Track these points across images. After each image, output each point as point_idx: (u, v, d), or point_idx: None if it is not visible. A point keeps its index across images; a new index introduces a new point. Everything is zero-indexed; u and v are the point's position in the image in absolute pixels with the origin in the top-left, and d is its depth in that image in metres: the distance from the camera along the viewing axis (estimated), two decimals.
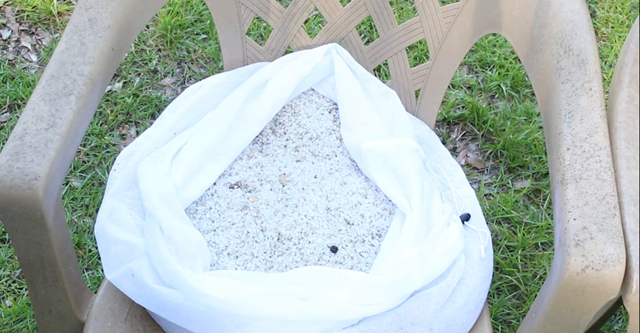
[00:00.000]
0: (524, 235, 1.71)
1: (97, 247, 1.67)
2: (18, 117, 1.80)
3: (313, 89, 1.31)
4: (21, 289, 1.62)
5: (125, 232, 1.09)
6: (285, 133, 1.26)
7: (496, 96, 1.99)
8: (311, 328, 1.03)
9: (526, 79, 2.00)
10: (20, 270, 1.63)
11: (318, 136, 1.26)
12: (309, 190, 1.19)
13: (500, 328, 1.59)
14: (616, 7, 2.19)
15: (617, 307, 1.41)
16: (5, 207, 0.98)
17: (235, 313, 1.01)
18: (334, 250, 1.12)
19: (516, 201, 1.77)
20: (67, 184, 1.77)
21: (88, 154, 1.84)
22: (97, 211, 1.65)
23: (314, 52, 1.29)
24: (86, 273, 1.63)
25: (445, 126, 1.93)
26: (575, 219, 0.93)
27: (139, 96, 1.93)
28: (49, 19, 2.09)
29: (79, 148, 1.83)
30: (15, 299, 1.60)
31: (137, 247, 1.07)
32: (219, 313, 1.02)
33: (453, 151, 1.88)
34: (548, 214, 1.74)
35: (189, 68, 2.03)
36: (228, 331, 1.02)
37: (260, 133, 1.26)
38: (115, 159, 1.37)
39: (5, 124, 1.89)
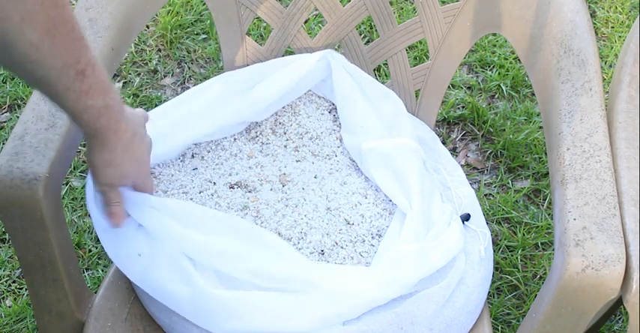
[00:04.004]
0: (524, 235, 1.71)
1: (97, 247, 1.67)
2: (18, 117, 1.80)
3: (311, 90, 1.31)
4: (21, 289, 1.62)
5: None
6: (285, 133, 1.26)
7: (496, 96, 2.00)
8: (310, 320, 1.03)
9: (526, 79, 2.00)
10: (20, 270, 1.63)
11: (318, 136, 1.26)
12: (309, 190, 1.19)
13: (500, 328, 1.59)
14: (616, 7, 2.19)
15: (617, 307, 1.41)
16: (5, 207, 0.98)
17: (234, 306, 1.02)
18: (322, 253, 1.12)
19: (516, 201, 1.77)
20: (67, 184, 1.77)
21: None
22: None
23: (308, 58, 1.28)
24: (86, 273, 1.63)
25: (445, 126, 1.93)
26: (575, 219, 0.93)
27: (139, 96, 1.93)
28: None
29: (79, 148, 1.83)
30: (15, 299, 1.60)
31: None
32: (219, 303, 1.02)
33: (453, 151, 1.88)
34: (548, 214, 1.75)
35: (189, 68, 2.03)
36: (225, 321, 1.02)
37: (260, 133, 1.26)
38: None
39: (5, 124, 1.89)
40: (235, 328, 1.02)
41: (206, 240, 1.06)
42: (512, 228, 1.74)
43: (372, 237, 1.14)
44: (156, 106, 1.89)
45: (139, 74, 1.99)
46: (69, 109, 0.89)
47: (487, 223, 1.22)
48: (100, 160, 0.98)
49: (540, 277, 1.66)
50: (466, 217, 1.19)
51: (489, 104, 1.98)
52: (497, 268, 1.66)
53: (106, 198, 1.05)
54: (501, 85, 1.99)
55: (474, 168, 1.85)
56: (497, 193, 1.80)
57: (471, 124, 1.93)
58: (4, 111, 1.92)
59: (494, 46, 2.08)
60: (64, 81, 0.85)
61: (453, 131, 1.92)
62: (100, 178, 1.01)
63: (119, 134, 0.96)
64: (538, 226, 1.73)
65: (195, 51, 2.06)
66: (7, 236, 1.69)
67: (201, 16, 2.12)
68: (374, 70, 1.37)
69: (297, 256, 1.07)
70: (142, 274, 1.05)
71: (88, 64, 0.86)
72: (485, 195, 1.79)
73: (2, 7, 0.77)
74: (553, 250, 1.59)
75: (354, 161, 1.24)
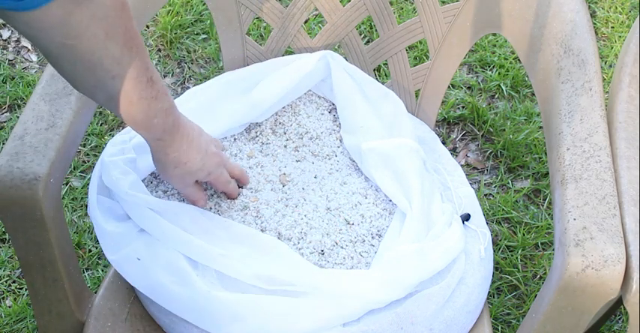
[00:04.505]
0: (524, 235, 1.71)
1: (97, 247, 1.67)
2: (18, 117, 1.80)
3: (311, 90, 1.31)
4: (21, 289, 1.62)
5: (116, 221, 1.09)
6: (285, 133, 1.26)
7: (496, 96, 2.00)
8: (311, 323, 1.03)
9: (526, 79, 2.00)
10: (20, 270, 1.63)
11: (318, 136, 1.26)
12: (309, 190, 1.19)
13: (500, 328, 1.59)
14: (616, 7, 2.19)
15: (617, 307, 1.41)
16: (5, 207, 0.98)
17: (234, 308, 1.02)
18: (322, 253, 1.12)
19: (516, 201, 1.77)
20: (67, 184, 1.77)
21: (88, 154, 1.84)
22: None
23: (308, 57, 1.28)
24: (86, 273, 1.63)
25: (445, 126, 1.93)
26: (575, 219, 0.93)
27: None
28: None
29: (79, 148, 1.83)
30: (15, 299, 1.60)
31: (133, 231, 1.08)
32: (220, 306, 1.02)
33: (453, 151, 1.88)
34: (548, 214, 1.75)
35: (189, 68, 2.03)
36: (226, 325, 1.02)
37: (260, 133, 1.26)
38: None
39: (5, 124, 1.89)
40: (238, 330, 1.02)
41: (207, 243, 1.06)
42: (512, 228, 1.74)
43: (372, 237, 1.14)
44: None
45: None
46: (140, 117, 0.92)
47: (487, 223, 1.22)
48: (170, 164, 1.02)
49: (540, 277, 1.66)
50: (466, 217, 1.19)
51: (489, 104, 1.98)
52: (497, 268, 1.66)
53: (189, 199, 1.10)
54: (501, 85, 1.99)
55: (474, 168, 1.85)
56: (497, 193, 1.80)
57: (471, 124, 1.93)
58: (4, 111, 1.92)
59: (494, 46, 2.08)
60: (139, 90, 0.89)
61: (453, 131, 1.92)
62: (177, 183, 1.07)
63: (183, 129, 1.00)
64: (538, 226, 1.73)
65: (195, 51, 2.06)
66: (7, 236, 1.69)
67: (201, 16, 2.12)
68: (374, 70, 1.37)
69: (298, 259, 1.07)
70: (142, 278, 1.05)
71: (153, 70, 0.90)
72: (485, 195, 1.79)
73: (88, 27, 0.80)
74: (553, 250, 1.59)
75: (354, 161, 1.24)
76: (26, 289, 1.61)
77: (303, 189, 1.19)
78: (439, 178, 1.24)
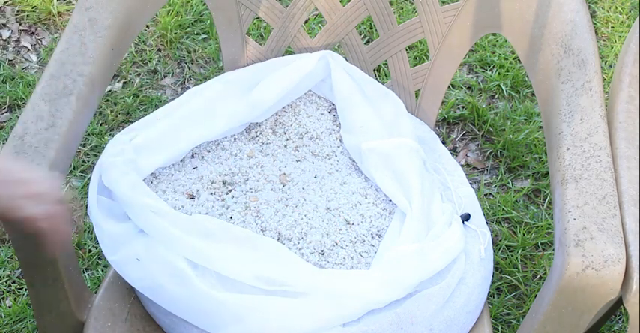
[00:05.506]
0: (524, 235, 1.71)
1: (97, 247, 1.67)
2: (18, 117, 1.80)
3: (311, 90, 1.31)
4: (21, 289, 1.62)
5: (115, 222, 1.09)
6: (285, 133, 1.26)
7: (496, 96, 1.99)
8: (310, 323, 1.03)
9: (526, 79, 2.00)
10: (20, 270, 1.63)
11: (318, 136, 1.26)
12: (309, 190, 1.19)
13: (500, 328, 1.59)
14: (616, 7, 2.19)
15: (617, 307, 1.41)
16: None
17: (234, 308, 1.02)
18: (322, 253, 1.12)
19: (516, 201, 1.77)
20: (67, 184, 1.77)
21: (88, 154, 1.84)
22: None
23: (307, 58, 1.28)
24: (86, 273, 1.63)
25: (445, 126, 1.93)
26: (575, 219, 0.93)
27: (139, 96, 1.93)
28: (49, 19, 2.09)
29: (79, 148, 1.83)
30: (15, 299, 1.60)
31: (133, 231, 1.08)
32: (220, 306, 1.02)
33: (453, 151, 1.88)
34: (548, 214, 1.74)
35: (189, 68, 2.03)
36: (226, 325, 1.02)
37: (260, 133, 1.26)
38: None
39: (5, 124, 1.89)
40: (238, 330, 1.02)
41: (207, 245, 1.06)
42: (512, 228, 1.74)
43: (372, 237, 1.14)
44: (156, 106, 1.90)
45: (139, 74, 1.99)
46: None
47: (487, 223, 1.22)
48: None
49: (540, 277, 1.66)
50: (466, 217, 1.19)
51: (489, 104, 1.98)
52: (497, 268, 1.66)
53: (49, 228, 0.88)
54: (501, 85, 1.99)
55: (474, 168, 1.85)
56: (497, 193, 1.80)
57: (471, 124, 1.93)
58: (4, 111, 1.92)
59: (494, 46, 2.08)
60: None
61: (453, 131, 1.92)
62: None
63: None
64: (538, 226, 1.73)
65: (195, 51, 2.06)
66: (7, 236, 1.69)
67: (201, 16, 2.12)
68: (374, 70, 1.37)
69: (298, 260, 1.07)
70: (142, 278, 1.05)
71: None
72: (485, 195, 1.79)
73: None
74: (553, 250, 1.59)
75: (354, 161, 1.24)
76: (26, 289, 1.61)
77: (303, 189, 1.19)
78: (439, 178, 1.24)
